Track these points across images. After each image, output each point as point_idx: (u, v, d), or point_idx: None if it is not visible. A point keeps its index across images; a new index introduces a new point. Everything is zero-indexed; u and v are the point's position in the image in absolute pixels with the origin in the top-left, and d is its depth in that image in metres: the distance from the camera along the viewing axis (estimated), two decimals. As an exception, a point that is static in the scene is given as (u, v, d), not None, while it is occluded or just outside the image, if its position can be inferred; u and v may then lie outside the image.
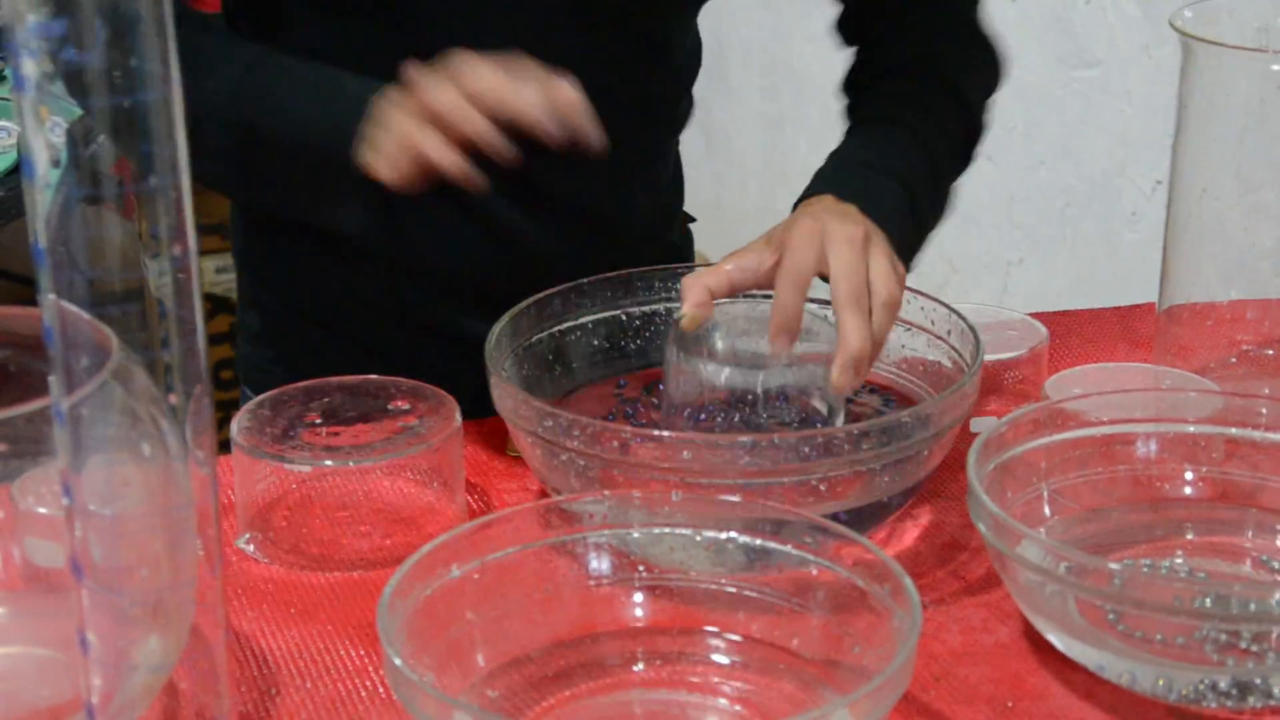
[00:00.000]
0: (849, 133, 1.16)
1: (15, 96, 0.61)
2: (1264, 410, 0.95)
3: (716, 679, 0.82)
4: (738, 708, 0.80)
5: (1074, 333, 1.27)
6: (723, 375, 0.98)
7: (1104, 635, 0.84)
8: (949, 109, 1.16)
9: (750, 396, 0.98)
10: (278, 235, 1.21)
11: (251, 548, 0.96)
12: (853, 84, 1.23)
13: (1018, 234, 2.51)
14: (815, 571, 0.81)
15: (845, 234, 0.96)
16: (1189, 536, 0.96)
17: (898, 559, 0.79)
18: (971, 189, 2.55)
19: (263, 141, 1.05)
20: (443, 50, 1.02)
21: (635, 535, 0.85)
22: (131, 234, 0.65)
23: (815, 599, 0.81)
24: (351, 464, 0.96)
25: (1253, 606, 0.80)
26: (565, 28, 1.11)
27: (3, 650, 0.83)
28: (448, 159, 0.97)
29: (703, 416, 0.99)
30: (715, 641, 0.84)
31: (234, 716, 0.75)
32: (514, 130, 0.98)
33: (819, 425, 0.97)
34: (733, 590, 0.84)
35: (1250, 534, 0.95)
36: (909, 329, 1.05)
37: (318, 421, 1.00)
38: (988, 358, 1.07)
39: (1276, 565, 0.93)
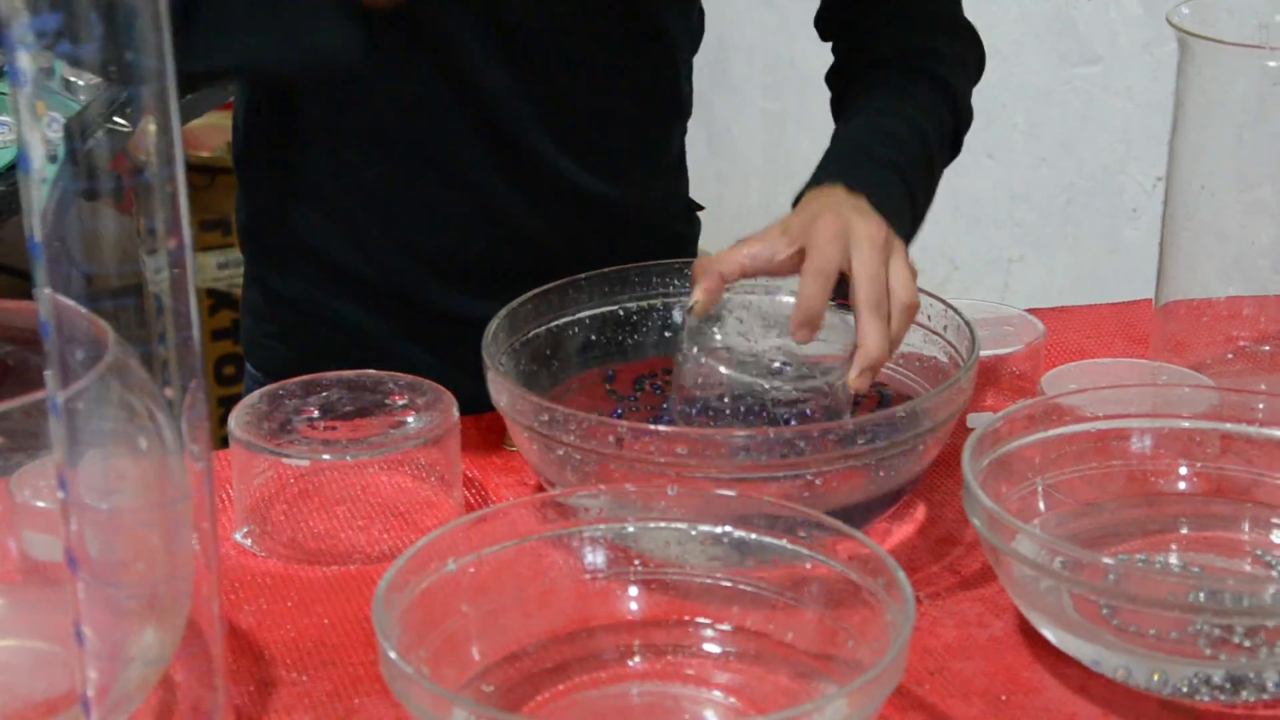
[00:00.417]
0: (845, 123, 1.17)
1: (11, 91, 0.61)
2: (1259, 405, 0.95)
3: (711, 671, 0.82)
4: (732, 700, 0.81)
5: (1071, 328, 1.27)
6: (732, 373, 0.98)
7: (1098, 630, 0.85)
8: (938, 100, 1.17)
9: (759, 395, 0.98)
10: (282, 209, 1.21)
11: (249, 541, 0.97)
12: (840, 76, 1.24)
13: (1019, 231, 2.51)
14: (810, 565, 0.81)
15: (868, 234, 0.96)
16: (1184, 531, 0.96)
17: (893, 553, 0.79)
18: (973, 186, 2.56)
19: None
20: (447, 31, 1.01)
21: (631, 529, 0.85)
22: (128, 229, 0.65)
23: (810, 593, 0.82)
24: (349, 458, 0.96)
25: (1245, 601, 0.80)
26: (565, 9, 1.11)
27: (0, 643, 0.83)
28: None
29: (710, 411, 0.99)
30: (710, 634, 0.84)
31: (229, 709, 0.75)
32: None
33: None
34: (728, 584, 0.84)
35: (1245, 529, 0.95)
36: (906, 324, 1.05)
37: (315, 416, 1.00)
38: (984, 353, 1.08)
39: (1271, 560, 0.93)
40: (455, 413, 0.99)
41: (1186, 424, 0.97)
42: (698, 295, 0.98)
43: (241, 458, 0.97)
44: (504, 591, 0.83)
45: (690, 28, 1.24)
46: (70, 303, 0.64)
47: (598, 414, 0.91)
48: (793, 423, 0.97)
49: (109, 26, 0.60)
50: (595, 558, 0.85)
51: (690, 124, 1.30)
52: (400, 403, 1.02)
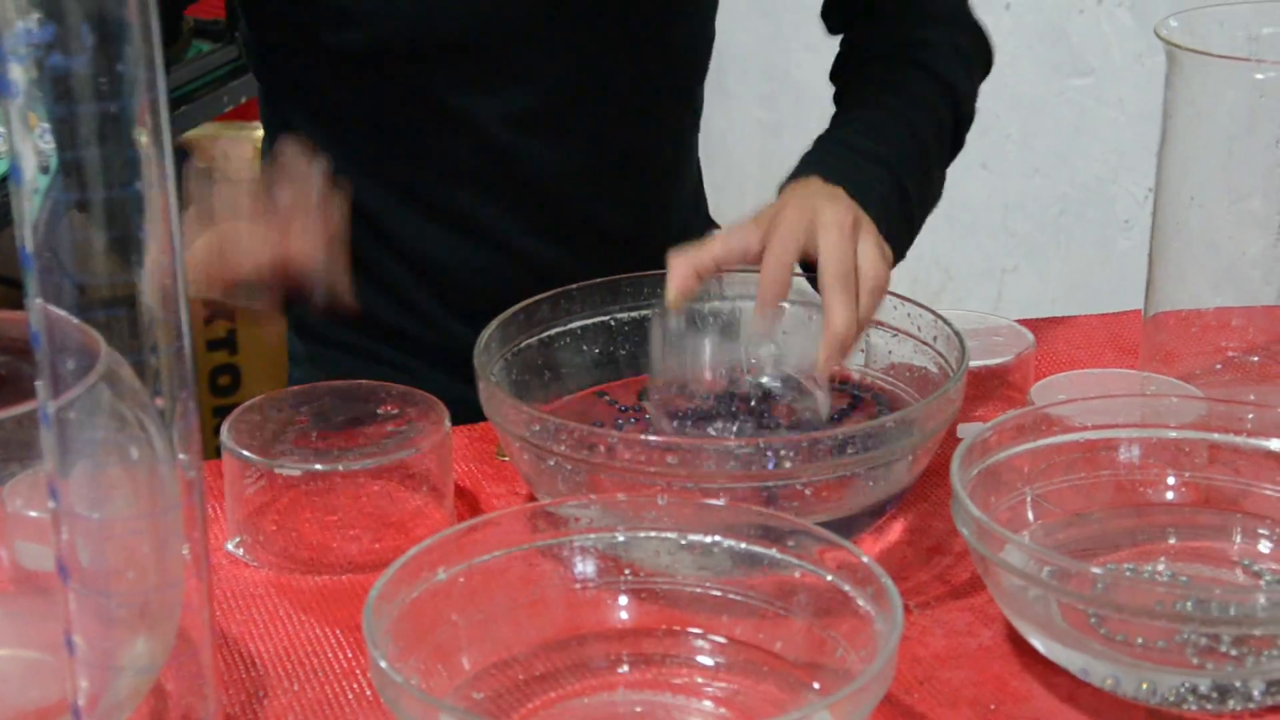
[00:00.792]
0: (835, 117, 1.17)
1: (3, 103, 0.62)
2: (1248, 416, 0.96)
3: (701, 681, 0.83)
4: (721, 710, 0.81)
5: (1061, 339, 1.28)
6: (707, 370, 0.99)
7: (1086, 639, 0.85)
8: (936, 95, 1.17)
9: (734, 388, 0.99)
10: None
11: (241, 551, 0.97)
12: (841, 71, 1.24)
13: (1012, 241, 2.52)
14: (799, 575, 0.82)
15: (834, 217, 0.97)
16: (1172, 541, 0.96)
17: (882, 563, 0.79)
18: (966, 196, 2.57)
19: None
20: (454, 40, 1.02)
21: (621, 539, 0.85)
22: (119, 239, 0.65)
23: (799, 602, 0.82)
24: (341, 468, 0.96)
25: (1232, 610, 0.81)
26: (566, 21, 1.12)
27: (-8, 652, 0.84)
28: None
29: (690, 420, 1.00)
30: (700, 644, 0.84)
31: (220, 718, 0.75)
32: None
33: (805, 420, 0.98)
34: (717, 593, 0.84)
35: (1234, 539, 0.96)
36: (895, 334, 1.06)
37: (307, 425, 1.01)
38: (974, 363, 1.08)
39: (1259, 569, 0.94)
40: (447, 423, 0.99)
41: (1175, 434, 0.97)
42: (673, 288, 0.98)
43: (234, 467, 0.97)
44: (494, 601, 0.83)
45: (708, 40, 1.24)
46: (62, 313, 0.64)
47: (590, 424, 0.91)
48: (768, 416, 0.97)
49: (100, 38, 0.61)
50: (585, 567, 0.85)
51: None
52: (392, 412, 1.02)
